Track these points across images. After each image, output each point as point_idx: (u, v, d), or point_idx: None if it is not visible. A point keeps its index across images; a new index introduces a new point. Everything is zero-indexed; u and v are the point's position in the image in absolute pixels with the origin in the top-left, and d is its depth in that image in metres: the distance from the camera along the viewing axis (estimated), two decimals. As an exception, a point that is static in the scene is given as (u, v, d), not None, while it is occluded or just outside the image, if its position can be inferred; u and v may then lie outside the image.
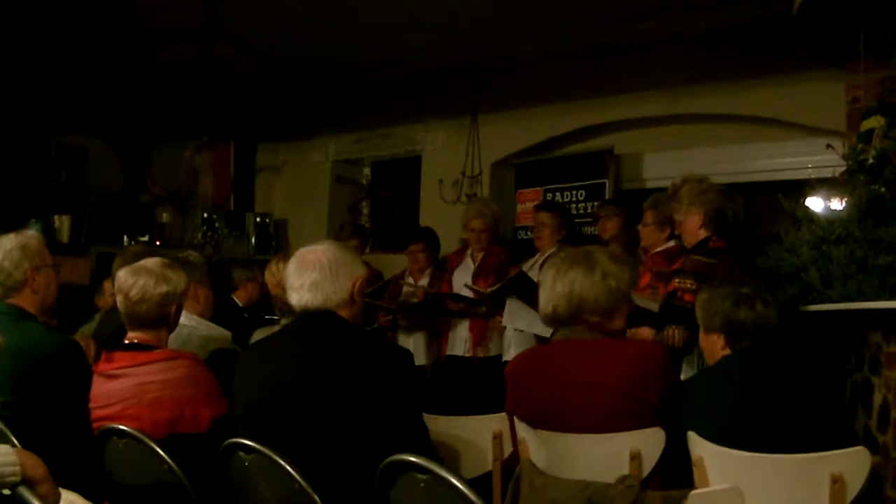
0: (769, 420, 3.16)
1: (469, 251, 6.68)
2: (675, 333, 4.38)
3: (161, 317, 3.50)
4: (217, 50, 6.33)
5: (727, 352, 3.46)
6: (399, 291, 6.92)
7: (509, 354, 6.17)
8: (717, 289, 3.57)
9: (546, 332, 5.62)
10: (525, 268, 6.25)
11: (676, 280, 4.51)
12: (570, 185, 7.36)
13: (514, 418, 3.37)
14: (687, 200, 4.75)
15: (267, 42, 6.73)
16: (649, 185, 7.26)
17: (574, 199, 7.30)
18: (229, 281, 6.76)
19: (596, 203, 6.93)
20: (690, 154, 7.00)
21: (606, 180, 7.13)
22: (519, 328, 6.00)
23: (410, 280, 6.94)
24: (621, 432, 3.08)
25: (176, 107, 8.72)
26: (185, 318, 3.82)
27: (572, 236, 6.41)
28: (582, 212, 7.20)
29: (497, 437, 3.71)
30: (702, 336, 3.60)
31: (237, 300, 6.66)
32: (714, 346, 3.50)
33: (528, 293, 5.83)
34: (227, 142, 9.62)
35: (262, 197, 9.83)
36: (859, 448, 3.00)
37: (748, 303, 3.44)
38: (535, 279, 6.02)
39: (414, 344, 6.62)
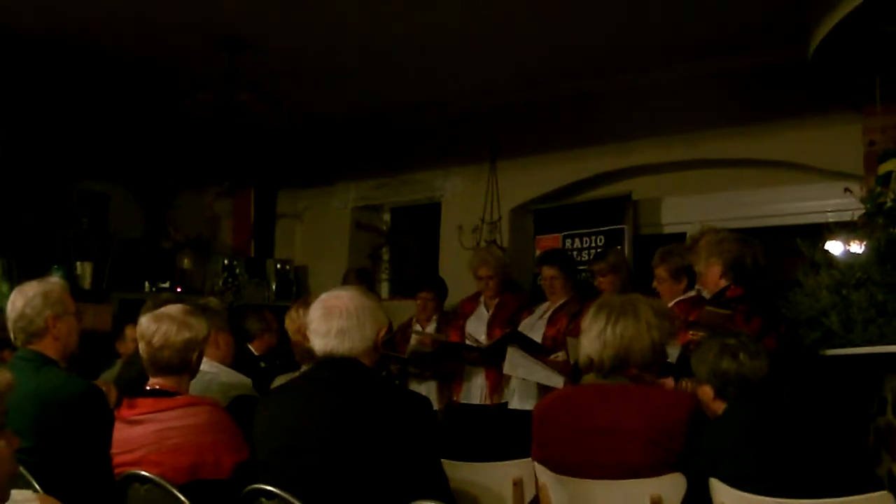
0: (780, 466, 3.13)
1: (482, 298, 6.69)
2: (687, 385, 4.36)
3: (183, 363, 3.52)
4: (237, 97, 6.40)
5: (718, 402, 3.47)
6: (407, 339, 6.92)
7: (514, 402, 6.17)
8: (707, 340, 3.59)
9: (548, 380, 5.66)
10: (535, 315, 6.24)
11: (690, 332, 4.49)
12: (589, 230, 7.37)
13: (536, 463, 3.36)
14: (706, 253, 4.73)
15: (287, 89, 6.80)
16: (668, 230, 7.26)
17: (593, 244, 7.30)
18: (245, 330, 6.71)
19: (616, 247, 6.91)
20: (709, 199, 7.00)
21: (625, 226, 7.14)
22: (520, 377, 6.00)
23: (418, 327, 6.97)
24: (643, 479, 3.07)
25: (197, 153, 8.80)
26: (205, 365, 3.84)
27: (578, 282, 6.41)
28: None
29: (517, 484, 3.69)
30: (697, 387, 3.60)
31: (253, 350, 6.58)
32: (706, 397, 3.52)
33: (528, 344, 5.85)
34: (247, 188, 9.68)
35: (282, 243, 9.85)
36: (883, 493, 2.98)
37: (731, 353, 3.46)
38: (543, 328, 6.03)
39: (426, 390, 6.59)
